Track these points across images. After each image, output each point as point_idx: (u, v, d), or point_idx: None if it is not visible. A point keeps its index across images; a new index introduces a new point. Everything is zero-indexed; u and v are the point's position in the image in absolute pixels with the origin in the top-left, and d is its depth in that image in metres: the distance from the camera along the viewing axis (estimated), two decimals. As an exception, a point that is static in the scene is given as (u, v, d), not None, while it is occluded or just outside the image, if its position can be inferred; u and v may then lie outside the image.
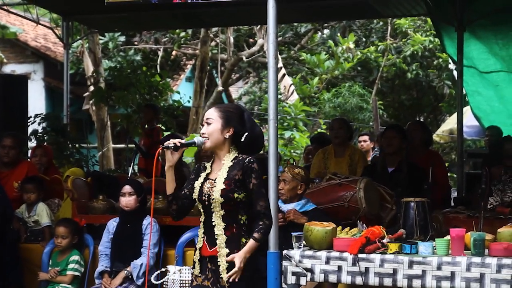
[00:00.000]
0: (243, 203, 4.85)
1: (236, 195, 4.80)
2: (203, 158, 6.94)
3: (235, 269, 4.73)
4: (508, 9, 10.28)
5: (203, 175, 4.96)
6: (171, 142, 4.79)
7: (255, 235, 4.80)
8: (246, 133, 4.89)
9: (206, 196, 4.86)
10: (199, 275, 4.95)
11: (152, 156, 10.89)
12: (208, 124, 4.86)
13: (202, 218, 4.94)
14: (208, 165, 5.00)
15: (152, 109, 11.67)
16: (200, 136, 4.88)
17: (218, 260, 4.84)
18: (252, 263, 4.87)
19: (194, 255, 4.99)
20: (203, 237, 4.92)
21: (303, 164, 11.28)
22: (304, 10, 12.06)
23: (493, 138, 11.40)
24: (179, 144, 4.79)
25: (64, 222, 7.57)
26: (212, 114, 4.88)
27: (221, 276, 4.82)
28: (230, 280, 4.74)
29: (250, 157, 4.87)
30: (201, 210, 4.93)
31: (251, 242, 4.80)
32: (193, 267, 4.99)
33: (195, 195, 4.91)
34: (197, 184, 4.92)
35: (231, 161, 4.88)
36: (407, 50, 20.68)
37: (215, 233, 4.86)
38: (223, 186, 4.80)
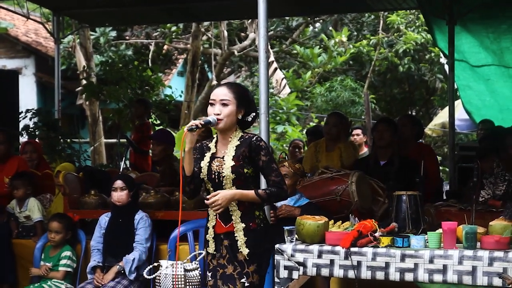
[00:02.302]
0: (252, 177, 5.00)
1: (245, 170, 4.95)
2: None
3: (213, 198, 4.87)
4: (499, 3, 10.29)
5: (208, 154, 5.06)
6: (193, 124, 4.86)
7: (260, 190, 4.98)
8: (253, 113, 5.07)
9: (216, 174, 4.98)
10: (214, 253, 5.06)
11: (143, 151, 10.92)
12: (224, 105, 4.95)
13: None
14: (211, 144, 5.10)
15: (143, 104, 11.64)
16: (214, 115, 4.94)
17: (236, 235, 4.97)
18: (271, 238, 5.12)
19: (207, 233, 5.10)
20: (215, 215, 5.01)
21: (289, 158, 11.26)
22: (295, 4, 12.06)
23: (486, 132, 11.42)
24: (200, 126, 4.86)
25: (57, 217, 7.55)
26: (227, 95, 4.97)
27: (239, 250, 4.96)
28: (209, 203, 4.90)
29: (256, 135, 5.03)
30: (211, 189, 5.03)
31: (250, 192, 4.95)
32: (207, 246, 5.10)
33: (203, 174, 5.02)
34: (204, 164, 5.03)
35: (238, 140, 5.00)
36: (400, 48, 20.69)
37: (230, 209, 4.98)
38: (233, 163, 4.94)
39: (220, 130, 5.02)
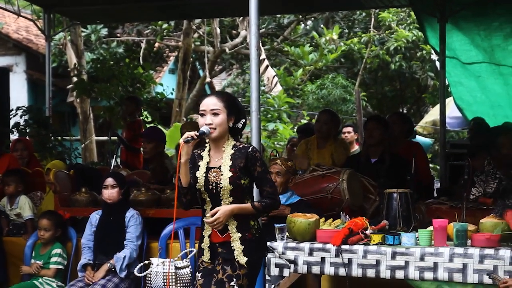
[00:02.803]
0: (247, 188, 5.06)
1: (242, 181, 5.00)
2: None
3: (215, 216, 4.92)
4: (489, 0, 10.30)
5: (202, 164, 5.09)
6: (189, 136, 4.89)
7: (255, 203, 5.06)
8: (243, 120, 5.13)
9: (214, 184, 5.02)
10: (208, 261, 5.11)
11: (134, 149, 10.87)
12: (215, 114, 4.99)
13: (208, 207, 5.08)
14: (204, 153, 5.13)
15: (134, 101, 11.61)
16: (206, 125, 4.98)
17: (232, 245, 5.02)
18: (264, 246, 5.21)
19: (202, 242, 5.13)
20: None
21: (286, 155, 11.26)
22: (286, 1, 12.05)
23: (478, 129, 11.44)
24: (195, 137, 4.90)
25: (47, 215, 7.54)
26: (217, 104, 5.01)
27: (236, 259, 5.00)
28: (210, 223, 4.95)
29: (252, 146, 5.10)
30: (207, 199, 5.08)
31: (246, 204, 5.03)
32: (202, 254, 5.14)
33: (200, 185, 5.05)
34: (200, 174, 5.06)
35: (232, 148, 5.05)
36: (391, 45, 20.70)
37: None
38: (230, 174, 4.98)
39: (213, 139, 5.05)
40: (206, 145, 5.15)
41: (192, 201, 5.12)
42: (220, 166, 5.02)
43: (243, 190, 5.03)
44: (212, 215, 4.94)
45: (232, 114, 5.04)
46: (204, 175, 5.05)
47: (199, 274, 5.13)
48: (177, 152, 5.27)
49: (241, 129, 5.16)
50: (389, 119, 8.78)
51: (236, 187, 4.98)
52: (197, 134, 4.92)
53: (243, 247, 5.00)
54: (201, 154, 5.14)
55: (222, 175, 4.99)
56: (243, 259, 4.99)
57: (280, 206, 5.39)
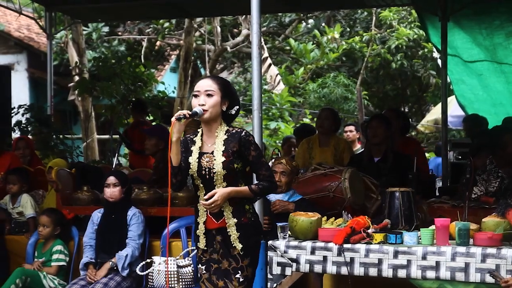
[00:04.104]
0: (241, 172, 5.02)
1: (235, 165, 4.96)
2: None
3: (213, 199, 4.87)
4: (492, -1, 10.31)
5: (195, 149, 5.05)
6: (181, 114, 4.85)
7: (253, 185, 5.01)
8: (237, 107, 5.10)
9: (207, 170, 4.98)
10: (205, 248, 5.07)
11: (136, 148, 10.80)
12: (209, 96, 4.96)
13: (201, 192, 5.04)
14: (196, 138, 5.09)
15: (142, 104, 11.69)
16: (199, 106, 4.94)
17: (228, 230, 4.99)
18: (259, 229, 5.15)
19: (197, 229, 5.09)
20: (206, 210, 5.02)
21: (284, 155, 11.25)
22: (288, 0, 12.04)
23: (478, 128, 11.42)
24: (188, 116, 4.85)
25: (47, 212, 7.56)
26: (212, 86, 4.98)
27: (233, 245, 4.97)
28: (207, 205, 4.90)
29: (245, 131, 5.04)
30: (201, 184, 5.03)
31: (243, 187, 4.99)
32: (198, 241, 5.10)
33: (193, 171, 5.01)
34: (193, 160, 5.01)
35: (225, 133, 5.01)
36: (392, 43, 20.69)
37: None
38: (223, 159, 4.94)
39: (205, 121, 5.00)
40: (199, 130, 5.11)
41: (183, 183, 5.07)
42: (213, 152, 4.98)
43: (237, 174, 4.98)
44: (209, 198, 4.89)
45: (226, 98, 5.01)
46: (197, 160, 5.00)
47: (203, 267, 5.10)
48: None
49: (234, 116, 5.12)
50: (386, 115, 8.79)
51: (229, 172, 4.94)
52: (190, 113, 4.87)
53: (239, 233, 4.97)
54: (194, 139, 5.09)
55: (215, 160, 4.94)
56: (239, 246, 4.96)
57: (277, 188, 5.40)
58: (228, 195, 4.92)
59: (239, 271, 4.97)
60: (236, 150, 4.95)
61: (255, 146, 5.03)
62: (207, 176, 4.98)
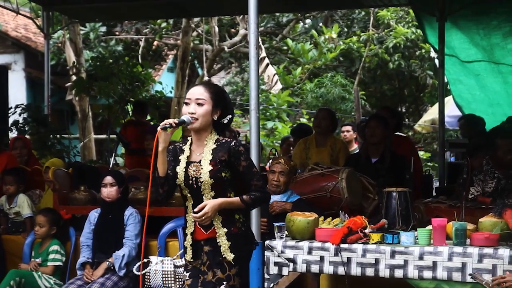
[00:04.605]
0: (229, 180, 4.86)
1: (223, 174, 4.80)
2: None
3: (203, 211, 4.72)
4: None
5: (183, 158, 4.91)
6: (167, 123, 4.74)
7: (245, 196, 4.84)
8: (230, 116, 4.94)
9: (194, 179, 4.84)
10: (191, 260, 4.94)
11: (133, 148, 10.77)
12: (200, 104, 4.81)
13: (189, 203, 4.90)
14: (185, 147, 4.95)
15: (143, 105, 11.72)
16: (189, 114, 4.81)
17: (218, 240, 4.84)
18: (250, 239, 4.98)
19: (185, 240, 4.96)
20: (194, 221, 4.87)
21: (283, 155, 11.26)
22: (286, 0, 12.05)
23: (473, 128, 11.42)
24: (174, 125, 4.73)
25: (44, 211, 7.57)
26: (203, 94, 4.82)
27: (223, 256, 4.82)
28: (198, 218, 4.75)
29: (235, 141, 4.90)
30: (188, 194, 4.91)
31: (235, 198, 4.84)
32: (185, 253, 4.97)
33: (180, 180, 4.88)
34: (180, 169, 4.88)
35: (214, 143, 4.86)
36: (390, 42, 20.70)
37: None
38: (210, 167, 4.79)
39: (194, 130, 4.87)
40: (189, 138, 4.96)
41: (169, 193, 4.95)
42: (200, 161, 4.84)
43: (224, 183, 4.83)
44: (200, 210, 4.73)
45: (218, 107, 4.85)
46: (184, 170, 4.87)
47: (187, 274, 4.97)
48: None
49: (227, 125, 4.97)
50: (378, 113, 8.80)
51: (217, 181, 4.80)
52: (177, 121, 4.75)
53: (230, 242, 4.82)
54: (183, 147, 4.96)
55: (202, 169, 4.80)
56: (230, 256, 4.81)
57: (270, 198, 5.23)
58: (219, 206, 4.77)
59: (225, 282, 4.81)
60: (225, 160, 4.81)
61: (246, 156, 4.87)
62: (195, 186, 4.85)
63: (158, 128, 4.72)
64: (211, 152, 4.83)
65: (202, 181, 4.80)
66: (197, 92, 4.84)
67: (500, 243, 5.45)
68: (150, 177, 4.91)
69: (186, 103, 4.85)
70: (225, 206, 4.80)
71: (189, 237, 4.93)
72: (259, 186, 4.86)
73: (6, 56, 19.86)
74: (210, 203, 4.74)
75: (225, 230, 4.83)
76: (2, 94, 11.04)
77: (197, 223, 4.88)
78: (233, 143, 4.85)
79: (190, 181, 4.85)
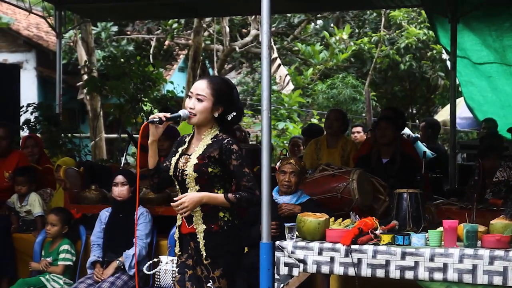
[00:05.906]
0: (218, 177, 4.82)
1: (210, 169, 4.77)
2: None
3: (180, 201, 4.70)
4: (502, 1, 10.29)
5: (180, 150, 4.93)
6: (156, 117, 4.74)
7: (229, 195, 4.78)
8: (234, 113, 4.91)
9: (180, 171, 4.84)
10: (179, 253, 4.95)
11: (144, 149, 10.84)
12: (199, 100, 4.79)
13: (179, 195, 4.88)
14: (187, 139, 4.98)
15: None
16: (188, 109, 4.80)
17: (198, 236, 4.81)
18: (237, 240, 4.90)
19: (175, 233, 4.98)
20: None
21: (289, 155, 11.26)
22: (297, 0, 12.04)
23: (489, 131, 11.43)
24: (164, 119, 4.73)
25: (55, 210, 7.58)
26: (204, 90, 4.80)
27: (201, 252, 4.79)
28: (174, 207, 4.73)
29: (229, 138, 4.84)
30: (177, 186, 4.91)
31: (219, 195, 4.79)
32: (175, 246, 4.98)
33: (171, 171, 4.89)
34: (173, 160, 4.90)
35: (211, 138, 4.85)
36: (401, 42, 20.66)
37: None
38: (196, 161, 4.77)
39: (194, 125, 4.88)
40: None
41: (160, 185, 4.97)
42: (191, 154, 4.83)
43: (211, 179, 4.78)
44: (179, 200, 4.72)
45: (220, 104, 4.81)
46: (176, 161, 4.87)
47: (177, 269, 4.97)
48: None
49: (232, 122, 4.92)
50: (382, 113, 8.79)
51: (201, 175, 4.75)
52: (168, 116, 4.74)
53: (205, 240, 4.77)
54: (185, 140, 4.97)
55: (189, 162, 4.79)
56: (204, 253, 4.77)
57: (259, 201, 5.12)
58: (200, 199, 4.72)
59: (211, 281, 4.78)
60: (214, 156, 4.77)
61: (237, 155, 4.79)
62: (179, 178, 4.84)
63: (145, 121, 4.73)
64: (205, 147, 4.82)
65: (187, 174, 4.79)
66: (200, 87, 4.83)
67: (511, 246, 5.43)
68: (137, 171, 4.93)
69: (189, 96, 4.86)
70: (207, 200, 4.76)
71: (176, 230, 4.96)
72: (247, 187, 4.80)
73: (18, 55, 19.93)
74: (189, 195, 4.73)
75: (204, 226, 4.80)
76: (13, 93, 11.08)
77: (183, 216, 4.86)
78: (225, 140, 4.82)
79: (177, 173, 4.85)
